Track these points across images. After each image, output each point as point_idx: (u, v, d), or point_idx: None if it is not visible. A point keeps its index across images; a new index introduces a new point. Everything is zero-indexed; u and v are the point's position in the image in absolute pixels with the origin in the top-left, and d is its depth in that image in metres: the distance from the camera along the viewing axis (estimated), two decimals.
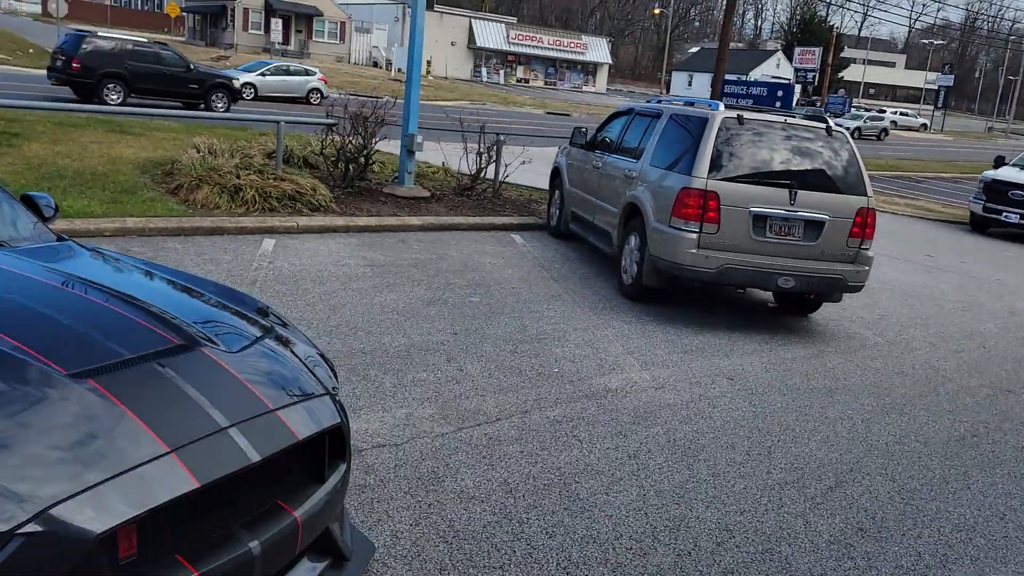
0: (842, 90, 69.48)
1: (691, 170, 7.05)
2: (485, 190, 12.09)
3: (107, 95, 19.50)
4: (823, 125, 7.42)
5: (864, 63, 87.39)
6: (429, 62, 52.98)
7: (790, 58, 65.02)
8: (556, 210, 10.45)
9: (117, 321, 2.68)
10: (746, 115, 7.27)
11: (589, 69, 71.19)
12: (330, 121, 11.27)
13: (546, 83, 67.67)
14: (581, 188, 9.56)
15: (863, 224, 7.21)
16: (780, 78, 53.16)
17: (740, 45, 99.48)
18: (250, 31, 56.84)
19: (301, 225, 9.19)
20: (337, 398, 2.87)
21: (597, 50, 70.96)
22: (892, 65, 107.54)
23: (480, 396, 5.10)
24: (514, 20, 71.79)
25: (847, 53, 76.87)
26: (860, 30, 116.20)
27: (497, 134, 12.37)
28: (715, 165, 7.00)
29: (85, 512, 1.98)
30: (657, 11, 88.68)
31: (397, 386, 5.09)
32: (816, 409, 5.58)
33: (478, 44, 63.21)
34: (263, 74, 28.86)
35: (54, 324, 2.56)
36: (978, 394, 6.33)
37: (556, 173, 10.52)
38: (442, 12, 61.69)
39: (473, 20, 64.45)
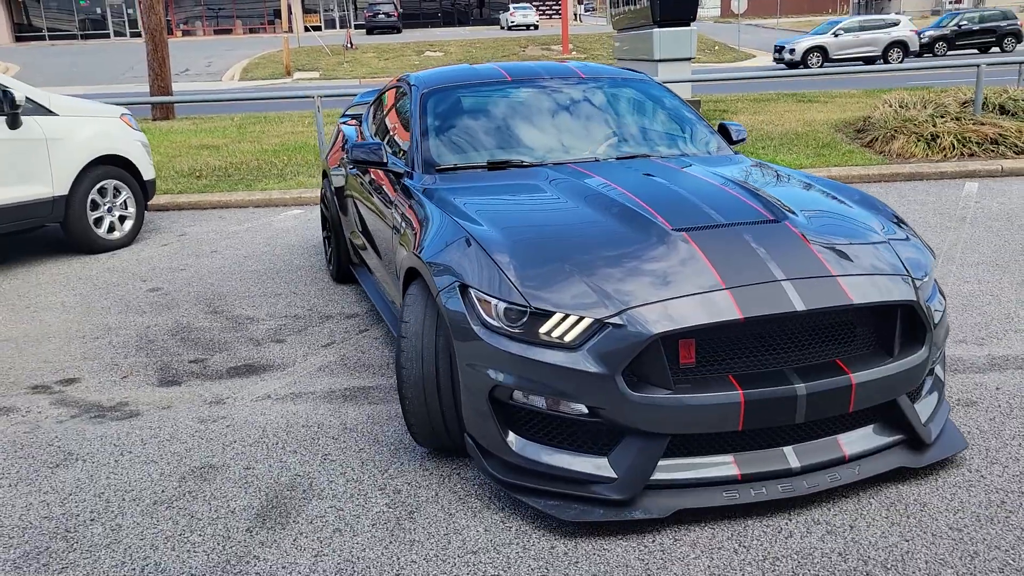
0: None
1: None
2: None
3: None
4: None
5: None
6: None
7: None
8: None
9: (730, 201, 3.31)
10: None
11: None
12: None
13: None
14: None
15: None
16: None
17: None
18: None
19: (1006, 168, 8.79)
20: (920, 286, 3.00)
21: None
22: None
23: None
24: None
25: None
26: None
27: None
28: None
29: (651, 317, 2.67)
30: None
31: None
32: None
33: None
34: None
35: (682, 199, 3.33)
36: None
37: None
38: None
39: None
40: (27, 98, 6.26)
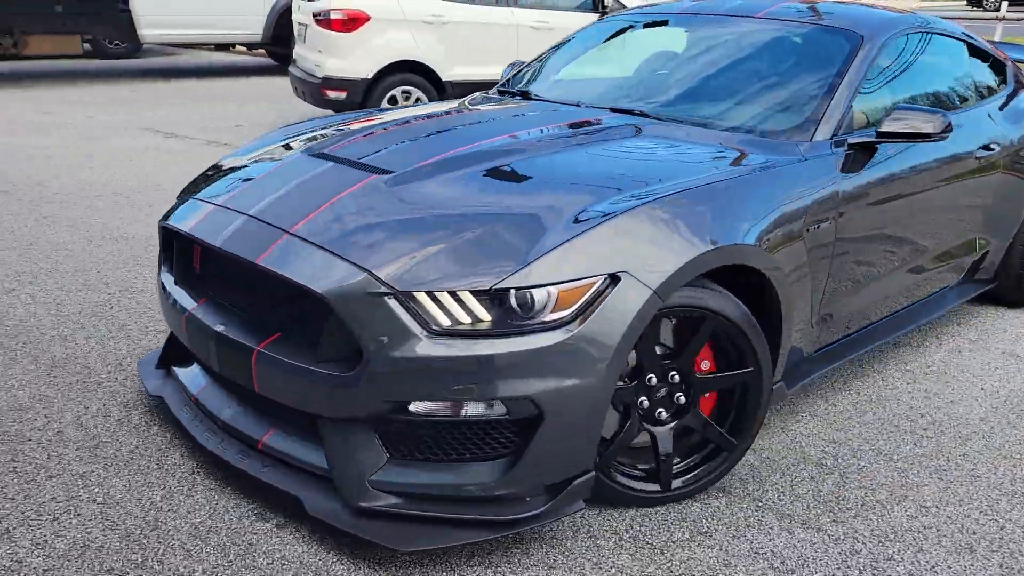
0: None
1: None
2: None
3: None
4: None
5: None
6: None
7: None
8: None
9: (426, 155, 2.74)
10: None
11: None
12: None
13: None
14: None
15: None
16: None
17: None
18: None
19: None
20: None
21: None
22: None
23: None
24: None
25: None
26: None
27: None
28: None
29: (178, 211, 2.70)
30: None
31: None
32: None
33: None
34: None
35: (427, 146, 2.85)
36: None
37: None
38: None
39: None
40: None
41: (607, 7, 8.33)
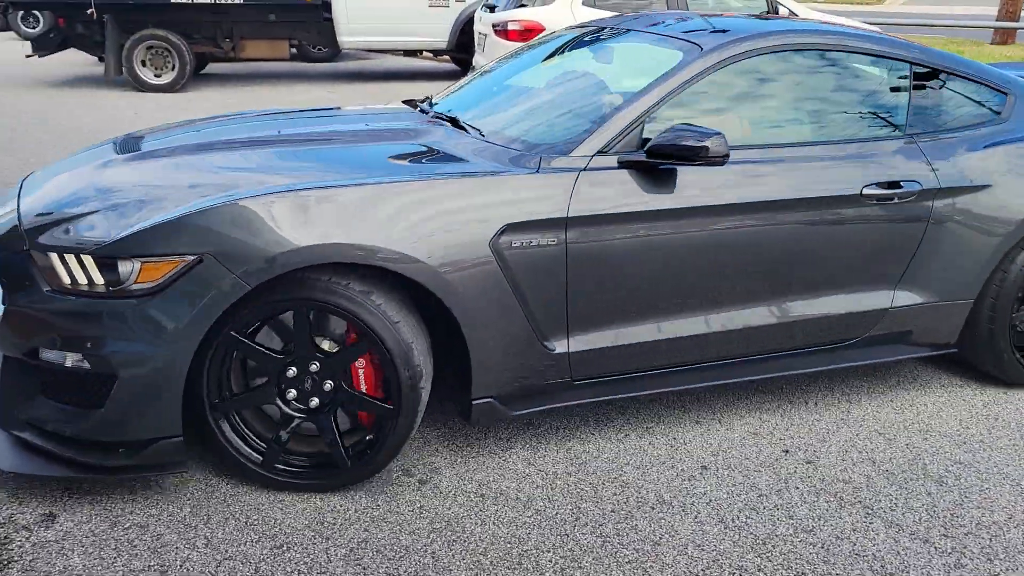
0: None
1: None
2: None
3: None
4: None
5: None
6: None
7: None
8: None
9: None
10: None
11: None
12: None
13: None
14: None
15: None
16: None
17: None
18: None
19: None
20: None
21: None
22: None
23: None
24: None
25: None
26: None
27: None
28: None
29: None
30: None
31: None
32: None
33: None
34: None
35: (208, 145, 3.03)
36: None
37: None
38: None
39: None
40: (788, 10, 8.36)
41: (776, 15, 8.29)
